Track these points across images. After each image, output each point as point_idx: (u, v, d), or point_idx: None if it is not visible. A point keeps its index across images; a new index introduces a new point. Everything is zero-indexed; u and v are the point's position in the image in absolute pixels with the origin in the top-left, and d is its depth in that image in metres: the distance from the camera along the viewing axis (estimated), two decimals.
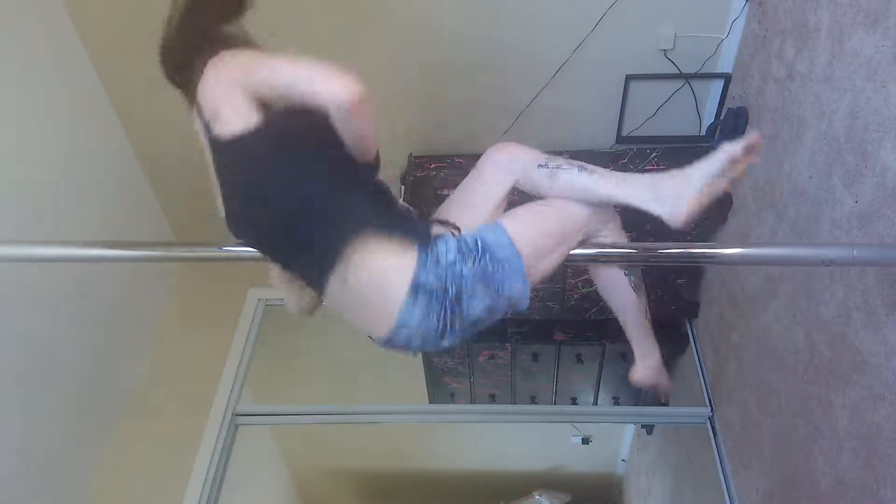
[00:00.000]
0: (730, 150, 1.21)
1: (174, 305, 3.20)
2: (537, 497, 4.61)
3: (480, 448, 4.94)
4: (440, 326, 1.14)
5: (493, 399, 3.61)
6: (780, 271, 2.12)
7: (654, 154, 2.66)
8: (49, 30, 2.41)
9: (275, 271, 1.34)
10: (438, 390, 3.57)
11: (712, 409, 2.82)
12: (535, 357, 3.30)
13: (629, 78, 2.58)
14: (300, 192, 1.15)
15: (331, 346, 3.89)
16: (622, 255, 1.36)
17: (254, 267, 1.38)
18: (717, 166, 1.22)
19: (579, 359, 3.31)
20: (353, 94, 1.06)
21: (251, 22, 2.49)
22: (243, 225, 1.24)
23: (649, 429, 4.02)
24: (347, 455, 4.85)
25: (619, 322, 1.55)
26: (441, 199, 1.40)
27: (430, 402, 3.59)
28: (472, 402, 3.58)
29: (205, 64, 1.21)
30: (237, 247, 1.38)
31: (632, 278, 1.45)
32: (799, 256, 1.32)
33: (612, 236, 1.36)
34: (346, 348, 3.91)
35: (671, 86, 2.62)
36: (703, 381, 2.91)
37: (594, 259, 1.36)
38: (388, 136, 2.81)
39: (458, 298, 1.13)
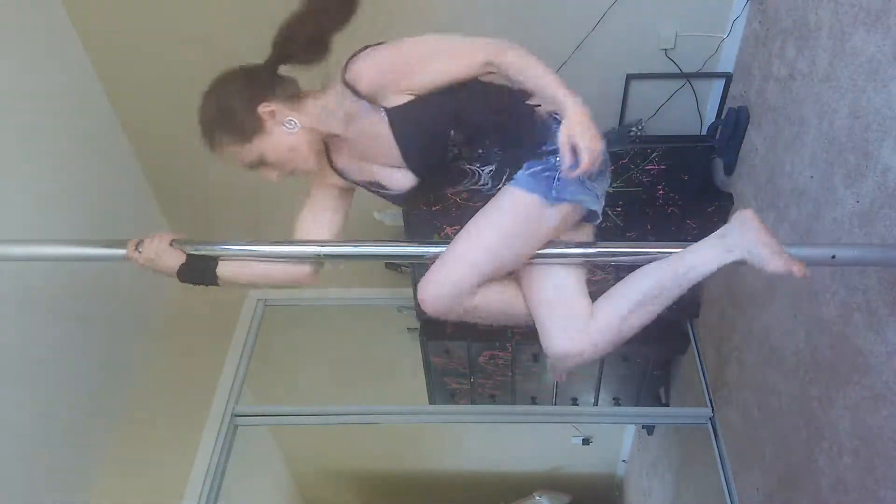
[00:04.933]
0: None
1: (174, 306, 3.19)
2: (537, 497, 4.61)
3: (480, 448, 4.94)
4: None
5: (493, 399, 3.61)
6: None
7: (655, 154, 2.65)
8: (49, 30, 2.41)
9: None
10: (438, 390, 3.56)
11: (713, 409, 2.82)
12: (535, 357, 3.30)
13: (630, 77, 2.57)
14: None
15: (331, 346, 3.89)
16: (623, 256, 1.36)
17: None
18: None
19: None
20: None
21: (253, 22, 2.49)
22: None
23: (650, 429, 4.01)
24: (347, 455, 4.85)
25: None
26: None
27: (430, 403, 3.59)
28: (473, 402, 3.58)
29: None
30: (237, 247, 1.38)
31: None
32: (802, 257, 1.31)
33: None
34: (346, 348, 3.91)
35: (672, 85, 2.61)
36: (703, 382, 2.91)
37: (591, 258, 1.35)
38: None
39: None
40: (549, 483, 4.83)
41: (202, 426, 2.83)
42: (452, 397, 3.59)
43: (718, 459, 2.70)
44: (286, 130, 1.27)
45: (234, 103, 1.25)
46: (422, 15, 2.46)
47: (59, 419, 2.40)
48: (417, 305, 2.96)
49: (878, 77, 1.56)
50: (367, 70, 1.23)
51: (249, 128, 1.25)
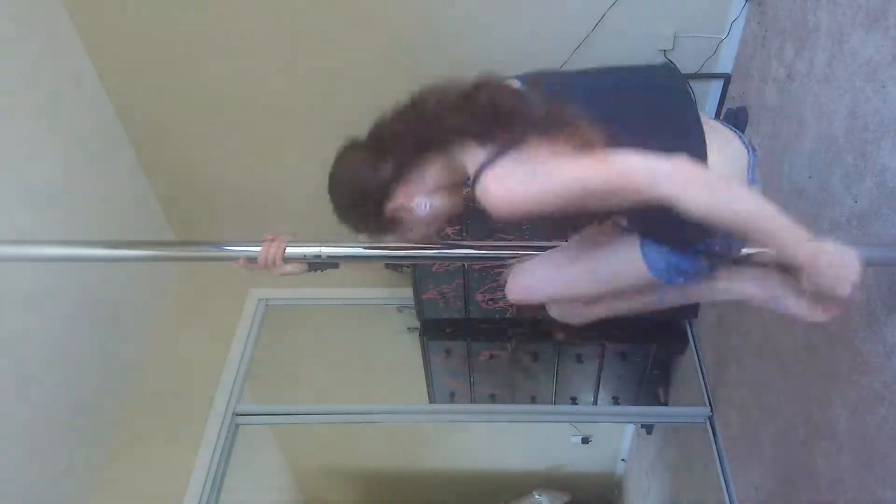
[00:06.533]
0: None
1: (174, 305, 3.20)
2: (537, 497, 4.61)
3: (480, 448, 4.94)
4: None
5: (493, 399, 3.61)
6: None
7: None
8: (49, 30, 2.41)
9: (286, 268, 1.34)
10: (438, 390, 3.57)
11: (712, 409, 2.82)
12: (535, 357, 3.30)
13: None
14: None
15: (331, 346, 3.89)
16: None
17: None
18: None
19: (579, 359, 3.31)
20: None
21: (259, 28, 2.50)
22: None
23: (649, 429, 4.02)
24: (347, 455, 4.85)
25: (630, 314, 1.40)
26: None
27: (430, 402, 3.59)
28: (472, 402, 3.58)
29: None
30: (238, 247, 1.38)
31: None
32: None
33: None
34: (346, 348, 3.92)
35: None
36: (702, 381, 2.91)
37: None
38: None
39: None
40: (549, 482, 4.83)
41: (203, 426, 2.83)
42: (452, 397, 3.60)
43: (717, 458, 2.70)
44: (422, 212, 1.18)
45: (364, 219, 1.20)
46: (420, 13, 2.47)
47: (59, 419, 2.41)
48: (418, 304, 2.98)
49: (877, 78, 1.57)
50: (505, 210, 1.04)
51: (389, 227, 1.21)
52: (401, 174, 1.15)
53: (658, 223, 1.14)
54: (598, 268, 1.25)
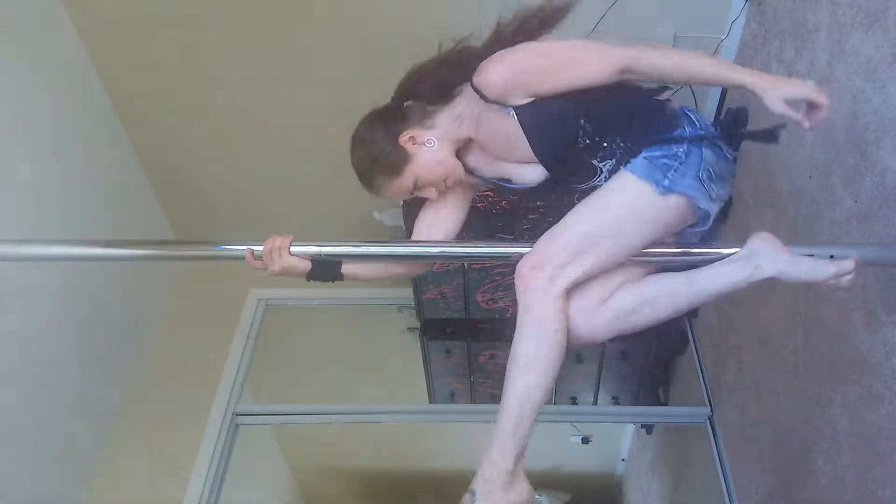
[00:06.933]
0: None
1: (174, 305, 3.20)
2: (537, 497, 4.61)
3: (480, 448, 4.94)
4: None
5: (493, 399, 3.61)
6: None
7: None
8: (49, 30, 2.41)
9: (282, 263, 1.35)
10: (438, 390, 3.57)
11: (712, 408, 2.82)
12: None
13: None
14: None
15: (331, 346, 3.90)
16: None
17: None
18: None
19: (579, 358, 3.31)
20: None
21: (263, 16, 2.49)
22: None
23: (649, 428, 4.02)
24: (347, 455, 4.85)
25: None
26: (567, 194, 1.42)
27: (430, 402, 3.60)
28: (472, 402, 3.59)
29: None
30: (237, 246, 1.38)
31: None
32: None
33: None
34: (346, 348, 3.92)
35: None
36: (702, 381, 2.91)
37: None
38: None
39: None
40: (549, 482, 4.83)
41: (203, 426, 2.83)
42: (452, 397, 3.60)
43: (717, 458, 2.70)
44: (428, 149, 1.35)
45: (379, 146, 1.34)
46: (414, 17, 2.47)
47: (59, 418, 2.41)
48: (418, 304, 2.99)
49: (877, 77, 1.57)
50: (496, 80, 1.25)
51: (398, 160, 1.34)
52: (417, 116, 1.37)
53: (627, 111, 1.29)
54: (594, 197, 1.27)
